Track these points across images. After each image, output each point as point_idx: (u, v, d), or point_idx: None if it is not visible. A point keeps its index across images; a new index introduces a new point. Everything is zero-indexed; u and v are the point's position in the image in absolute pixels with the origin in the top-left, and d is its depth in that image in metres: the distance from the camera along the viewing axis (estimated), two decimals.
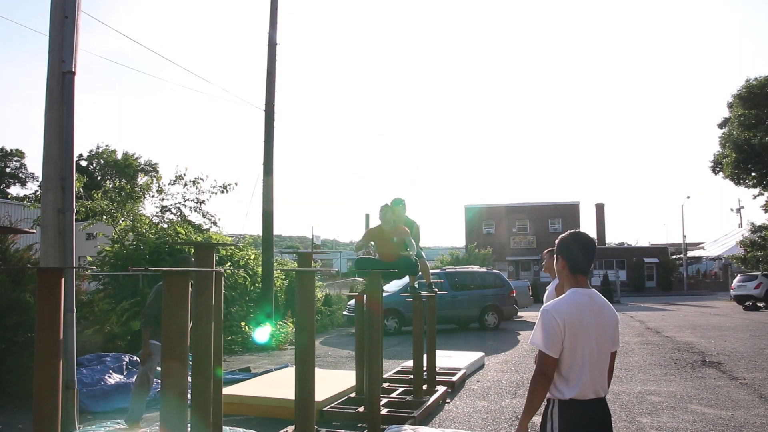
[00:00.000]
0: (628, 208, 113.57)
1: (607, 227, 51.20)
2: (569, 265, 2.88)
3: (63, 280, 3.38)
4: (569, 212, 48.75)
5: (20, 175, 56.59)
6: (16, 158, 56.18)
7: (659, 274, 47.98)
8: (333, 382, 7.91)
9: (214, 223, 15.63)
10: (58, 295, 3.29)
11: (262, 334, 13.87)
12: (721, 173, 30.13)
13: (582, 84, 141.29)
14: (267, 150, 14.99)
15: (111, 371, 7.81)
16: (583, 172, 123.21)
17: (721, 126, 30.88)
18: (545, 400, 2.82)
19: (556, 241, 2.98)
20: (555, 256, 2.96)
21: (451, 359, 10.11)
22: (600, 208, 52.53)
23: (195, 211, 15.17)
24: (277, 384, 7.79)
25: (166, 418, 3.21)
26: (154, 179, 14.98)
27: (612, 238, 61.96)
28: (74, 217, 5.78)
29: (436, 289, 8.13)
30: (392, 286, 17.62)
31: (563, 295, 2.85)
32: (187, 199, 14.96)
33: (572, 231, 2.98)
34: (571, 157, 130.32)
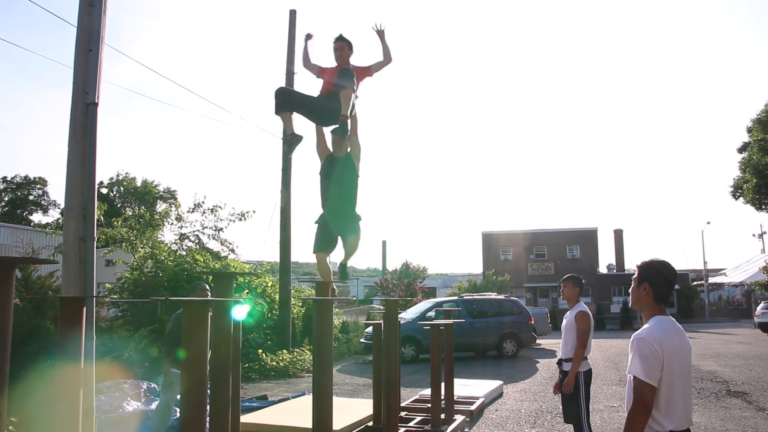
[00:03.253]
0: (648, 233, 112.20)
1: (626, 253, 50.49)
2: (655, 292, 2.82)
3: (84, 309, 3.42)
4: (587, 238, 48.33)
5: (42, 202, 57.53)
6: (38, 186, 57.16)
7: (680, 300, 47.11)
8: (350, 410, 7.85)
9: (232, 251, 15.75)
10: (80, 324, 3.34)
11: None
12: (741, 198, 29.79)
13: (600, 109, 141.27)
14: (285, 178, 15.14)
15: (129, 398, 7.82)
16: (602, 198, 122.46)
17: (740, 150, 30.61)
18: None
19: (641, 266, 2.90)
20: (638, 281, 2.87)
21: (469, 387, 10.00)
22: (619, 234, 52.01)
23: (213, 238, 15.32)
24: (294, 412, 7.74)
25: None
26: (173, 207, 15.18)
27: (631, 265, 60.97)
28: (95, 245, 5.86)
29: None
30: (410, 314, 17.59)
31: (651, 323, 2.78)
32: (206, 227, 15.12)
33: (660, 259, 2.91)
34: (589, 182, 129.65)
